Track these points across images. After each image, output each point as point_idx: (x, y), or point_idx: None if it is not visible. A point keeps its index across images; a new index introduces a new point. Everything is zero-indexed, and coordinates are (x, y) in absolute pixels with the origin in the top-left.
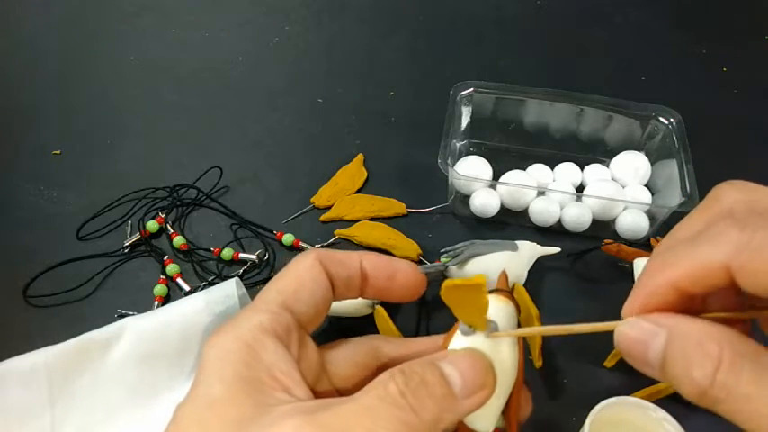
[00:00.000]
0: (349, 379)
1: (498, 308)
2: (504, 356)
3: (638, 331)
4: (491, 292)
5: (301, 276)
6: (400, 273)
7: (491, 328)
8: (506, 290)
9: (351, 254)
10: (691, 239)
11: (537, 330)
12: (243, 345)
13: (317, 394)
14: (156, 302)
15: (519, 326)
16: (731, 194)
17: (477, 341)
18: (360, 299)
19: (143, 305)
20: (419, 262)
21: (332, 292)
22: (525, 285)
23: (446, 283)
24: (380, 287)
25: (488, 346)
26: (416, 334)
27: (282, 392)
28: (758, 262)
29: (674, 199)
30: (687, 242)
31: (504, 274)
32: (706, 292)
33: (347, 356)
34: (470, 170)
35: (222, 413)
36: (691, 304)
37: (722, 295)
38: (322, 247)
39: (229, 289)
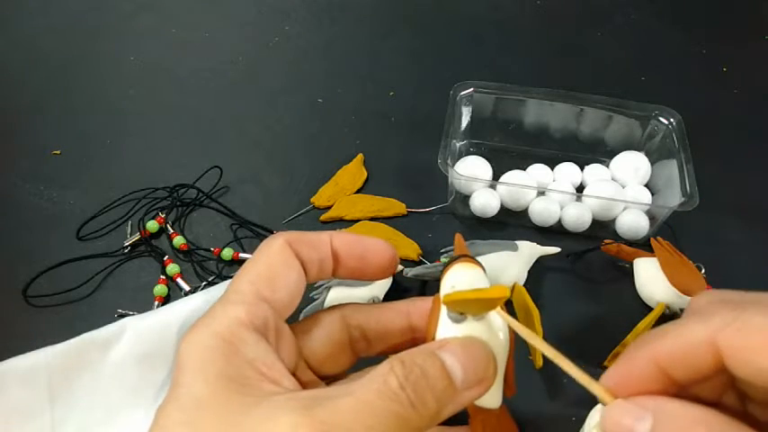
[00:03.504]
0: (326, 359)
1: (466, 273)
2: (500, 334)
3: (623, 413)
4: (453, 260)
5: (273, 262)
6: (371, 251)
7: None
8: (467, 254)
9: (321, 234)
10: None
11: (529, 334)
12: (221, 341)
13: (299, 381)
14: (156, 302)
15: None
16: (706, 297)
17: (471, 327)
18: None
19: (143, 305)
20: (419, 262)
21: (304, 276)
22: (525, 285)
23: (458, 296)
24: (353, 267)
25: (484, 330)
26: None
27: (270, 384)
28: (747, 333)
29: (674, 199)
30: (675, 323)
31: (458, 238)
32: (692, 379)
33: (321, 336)
34: (470, 170)
35: (212, 412)
36: (678, 391)
37: (712, 384)
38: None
39: None
